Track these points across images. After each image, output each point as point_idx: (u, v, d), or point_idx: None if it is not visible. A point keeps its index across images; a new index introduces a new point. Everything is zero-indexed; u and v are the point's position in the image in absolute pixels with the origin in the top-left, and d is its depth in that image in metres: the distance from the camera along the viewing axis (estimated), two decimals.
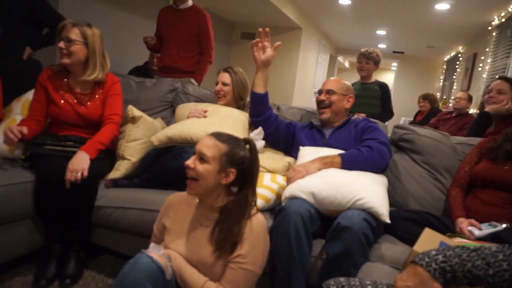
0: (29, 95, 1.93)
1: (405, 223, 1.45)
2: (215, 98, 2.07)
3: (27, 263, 1.70)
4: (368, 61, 2.87)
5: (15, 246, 1.58)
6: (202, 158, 1.13)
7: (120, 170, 1.80)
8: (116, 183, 1.73)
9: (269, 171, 1.70)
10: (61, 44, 1.68)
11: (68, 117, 1.79)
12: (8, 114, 1.91)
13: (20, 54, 2.32)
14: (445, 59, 8.79)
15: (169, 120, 2.28)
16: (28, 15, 2.31)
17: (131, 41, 3.33)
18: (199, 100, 2.28)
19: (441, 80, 8.87)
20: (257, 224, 1.14)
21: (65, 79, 1.80)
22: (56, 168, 1.53)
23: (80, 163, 1.54)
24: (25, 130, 1.61)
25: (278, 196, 1.58)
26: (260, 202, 1.52)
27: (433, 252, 0.77)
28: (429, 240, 1.04)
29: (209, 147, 1.13)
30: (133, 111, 1.93)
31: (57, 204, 1.57)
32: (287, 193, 1.43)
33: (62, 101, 1.78)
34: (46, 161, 1.56)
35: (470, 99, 3.71)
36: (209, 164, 1.12)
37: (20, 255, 1.61)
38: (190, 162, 1.14)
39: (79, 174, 1.52)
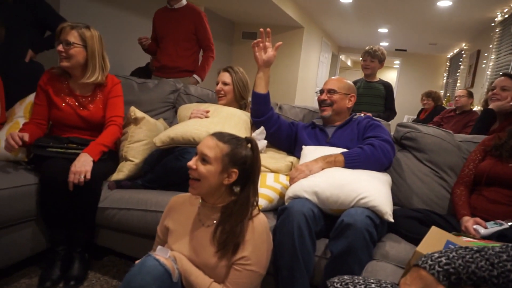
0: (32, 98, 1.93)
1: (409, 221, 1.44)
2: (217, 98, 2.07)
3: (32, 265, 1.71)
4: (373, 59, 2.85)
5: (20, 248, 1.58)
6: (204, 159, 1.13)
7: (123, 171, 1.80)
8: (119, 185, 1.73)
9: (272, 171, 1.69)
10: (60, 47, 1.68)
11: (70, 120, 1.79)
12: (11, 117, 1.92)
13: (22, 57, 2.33)
14: (448, 56, 8.75)
15: (172, 121, 2.28)
16: (30, 18, 2.32)
17: (132, 42, 3.34)
18: (201, 100, 2.28)
19: (445, 78, 8.82)
20: (260, 225, 1.14)
21: (66, 82, 1.81)
22: (59, 170, 1.53)
23: (83, 165, 1.54)
24: (26, 137, 1.61)
25: (281, 196, 1.58)
26: (263, 202, 1.52)
27: (436, 255, 0.76)
28: (435, 239, 1.03)
29: (210, 148, 1.13)
30: (136, 112, 1.93)
31: (61, 206, 1.57)
32: (290, 193, 1.43)
33: (63, 104, 1.78)
34: (49, 164, 1.56)
35: (470, 95, 3.69)
36: (211, 165, 1.12)
37: (25, 257, 1.62)
38: (192, 163, 1.14)
39: (82, 176, 1.52)
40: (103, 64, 1.80)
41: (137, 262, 1.07)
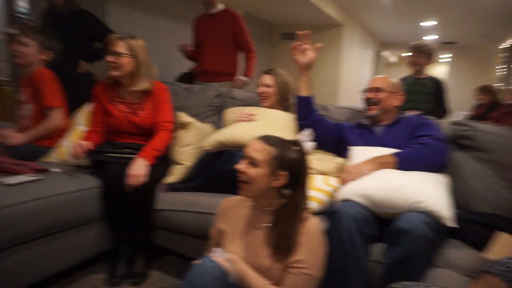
0: (89, 106, 2.07)
1: (471, 226, 1.35)
2: (260, 101, 2.08)
3: (99, 262, 1.80)
4: (420, 54, 2.72)
5: (89, 246, 1.71)
6: (252, 162, 1.14)
7: (175, 174, 1.87)
8: (173, 187, 1.80)
9: (320, 173, 1.68)
10: (110, 58, 1.79)
11: (123, 126, 1.89)
12: (72, 125, 2.07)
13: (77, 68, 2.52)
14: (503, 46, 8.13)
15: (218, 124, 2.31)
16: (82, 31, 2.51)
17: (176, 48, 3.48)
18: (246, 104, 2.30)
19: (501, 70, 8.21)
20: (313, 228, 1.14)
21: (117, 90, 1.91)
22: (117, 174, 1.63)
23: (139, 169, 1.63)
24: (90, 146, 1.75)
25: (332, 198, 1.55)
26: (313, 205, 1.50)
27: (506, 260, 0.71)
28: (503, 244, 0.97)
29: (258, 151, 1.14)
30: (183, 117, 1.99)
31: (121, 208, 1.67)
32: (340, 195, 1.40)
33: (116, 112, 1.89)
34: (108, 168, 1.67)
35: None
36: (260, 168, 1.13)
37: (93, 255, 1.74)
38: (241, 166, 1.16)
39: (138, 180, 1.61)
40: (150, 71, 1.89)
41: (194, 262, 1.11)
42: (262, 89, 2.04)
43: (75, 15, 2.51)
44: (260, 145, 1.15)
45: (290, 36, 6.80)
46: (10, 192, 1.45)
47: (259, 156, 1.13)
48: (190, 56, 3.17)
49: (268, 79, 2.03)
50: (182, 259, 1.92)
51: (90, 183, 1.70)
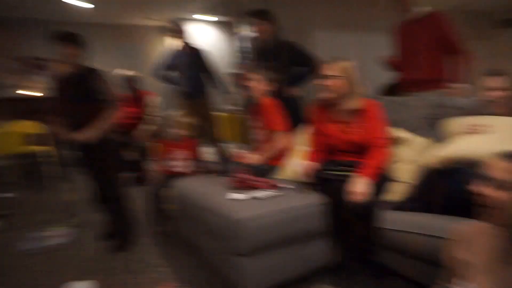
0: (304, 128, 2.33)
1: None
2: (491, 107, 1.79)
3: (326, 273, 1.89)
4: None
5: (317, 258, 1.85)
6: (499, 185, 0.99)
7: (395, 192, 1.84)
8: (395, 206, 1.77)
9: None
10: (321, 81, 1.94)
11: (339, 145, 2.00)
12: (293, 146, 2.37)
13: (287, 93, 2.89)
14: None
15: (437, 138, 2.12)
16: (289, 59, 2.88)
17: (375, 61, 3.46)
18: (467, 112, 2.02)
19: None
20: None
21: (329, 111, 2.03)
22: (340, 191, 1.73)
23: (360, 187, 1.69)
24: (316, 165, 1.96)
25: None
26: None
27: None
28: None
29: (506, 172, 0.98)
30: (397, 132, 1.94)
31: (343, 224, 1.76)
32: None
33: (331, 131, 2.02)
34: (331, 186, 1.81)
35: None
36: (509, 192, 0.97)
37: (321, 266, 1.86)
38: (483, 188, 1.03)
39: (360, 197, 1.66)
40: (358, 89, 1.94)
41: None
42: (491, 94, 1.77)
43: (280, 47, 2.93)
44: (506, 164, 1.00)
45: (511, 23, 5.61)
46: (259, 204, 1.77)
47: (509, 178, 0.98)
48: (394, 66, 3.07)
49: (496, 82, 1.76)
50: (407, 282, 1.79)
51: (317, 199, 1.86)
